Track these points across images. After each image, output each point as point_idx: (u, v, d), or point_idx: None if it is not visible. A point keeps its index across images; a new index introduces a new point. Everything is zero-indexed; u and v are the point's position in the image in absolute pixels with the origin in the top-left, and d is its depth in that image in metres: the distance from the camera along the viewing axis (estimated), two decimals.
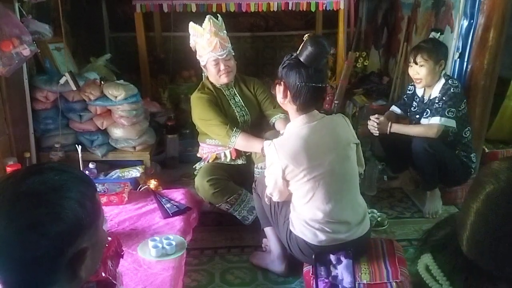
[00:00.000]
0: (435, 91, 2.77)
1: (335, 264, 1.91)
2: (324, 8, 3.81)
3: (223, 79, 2.64)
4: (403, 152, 2.83)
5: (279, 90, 1.99)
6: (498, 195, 0.72)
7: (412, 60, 2.77)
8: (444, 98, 2.69)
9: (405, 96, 3.09)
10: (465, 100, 2.77)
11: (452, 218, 0.82)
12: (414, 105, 2.97)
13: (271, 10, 3.79)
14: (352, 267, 1.89)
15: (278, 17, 4.76)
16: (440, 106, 2.69)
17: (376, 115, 2.90)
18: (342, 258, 1.90)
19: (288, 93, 1.95)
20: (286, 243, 2.12)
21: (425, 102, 2.87)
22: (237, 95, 2.74)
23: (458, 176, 2.86)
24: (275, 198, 2.05)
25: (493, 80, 3.03)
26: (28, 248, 0.79)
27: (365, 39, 4.77)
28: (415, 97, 2.97)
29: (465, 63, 3.10)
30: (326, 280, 1.89)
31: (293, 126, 1.99)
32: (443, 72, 2.78)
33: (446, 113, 2.66)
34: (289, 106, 1.99)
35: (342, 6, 3.81)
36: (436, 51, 2.71)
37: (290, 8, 3.77)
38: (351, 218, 2.01)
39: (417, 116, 2.91)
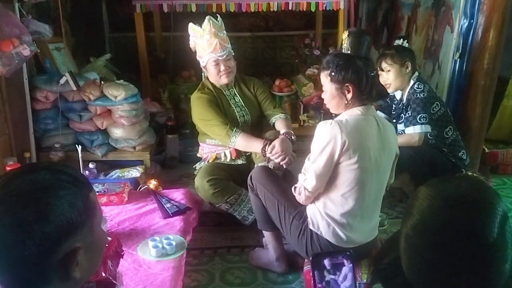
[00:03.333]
0: (406, 95, 2.81)
1: (329, 270, 1.89)
2: (324, 8, 3.81)
3: (224, 80, 2.64)
4: None
5: (344, 94, 1.92)
6: (422, 225, 0.72)
7: (378, 68, 2.82)
8: (412, 105, 2.72)
9: (388, 98, 3.11)
10: (436, 102, 2.77)
11: (395, 242, 0.81)
12: (393, 108, 2.99)
13: (271, 10, 3.79)
14: (353, 271, 1.88)
15: (278, 17, 4.76)
16: (410, 114, 2.72)
17: None
18: (346, 263, 1.89)
19: (357, 91, 1.89)
20: (304, 247, 2.01)
21: (399, 106, 2.89)
22: (237, 95, 2.74)
23: None
24: (312, 188, 1.91)
25: (493, 80, 3.03)
26: (16, 247, 0.78)
27: None
28: (394, 99, 2.99)
29: (465, 63, 3.10)
30: (320, 285, 1.88)
31: (350, 114, 1.92)
32: (415, 74, 2.80)
33: (418, 120, 2.69)
34: (355, 103, 1.92)
35: (342, 6, 3.80)
36: (398, 55, 2.76)
37: (290, 8, 3.76)
38: (371, 221, 2.01)
39: (394, 120, 2.93)
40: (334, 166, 1.87)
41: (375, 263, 0.82)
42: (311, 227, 1.98)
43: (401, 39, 2.92)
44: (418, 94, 2.71)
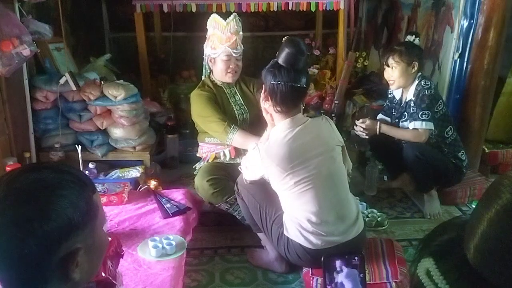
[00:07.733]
0: (410, 94, 2.80)
1: (339, 271, 1.89)
2: (324, 8, 3.81)
3: (228, 78, 2.67)
4: (396, 157, 2.84)
5: (263, 98, 2.02)
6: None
7: (385, 63, 2.80)
8: (417, 101, 2.72)
9: (387, 101, 3.10)
10: (440, 101, 2.78)
11: (458, 222, 0.80)
12: (394, 109, 2.98)
13: (271, 10, 3.79)
14: (359, 274, 1.87)
15: (278, 17, 4.76)
16: (415, 111, 2.71)
17: (361, 120, 2.93)
18: (344, 267, 1.88)
19: (268, 96, 1.97)
20: (283, 251, 2.09)
21: (401, 105, 2.88)
22: (237, 93, 2.76)
23: (451, 177, 2.87)
24: (250, 181, 2.12)
25: (493, 80, 3.04)
26: (15, 244, 0.78)
27: (365, 39, 4.77)
28: (394, 100, 2.97)
29: (465, 63, 3.11)
30: (329, 287, 1.87)
31: (278, 131, 1.98)
32: (419, 74, 2.79)
33: (419, 116, 2.68)
34: (273, 112, 2.00)
35: (342, 6, 3.80)
36: (407, 53, 2.74)
37: (290, 8, 3.76)
38: (344, 219, 2.01)
39: (396, 121, 2.92)
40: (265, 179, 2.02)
41: (428, 239, 0.80)
42: (285, 232, 2.03)
43: (413, 36, 2.85)
44: (426, 91, 2.70)
